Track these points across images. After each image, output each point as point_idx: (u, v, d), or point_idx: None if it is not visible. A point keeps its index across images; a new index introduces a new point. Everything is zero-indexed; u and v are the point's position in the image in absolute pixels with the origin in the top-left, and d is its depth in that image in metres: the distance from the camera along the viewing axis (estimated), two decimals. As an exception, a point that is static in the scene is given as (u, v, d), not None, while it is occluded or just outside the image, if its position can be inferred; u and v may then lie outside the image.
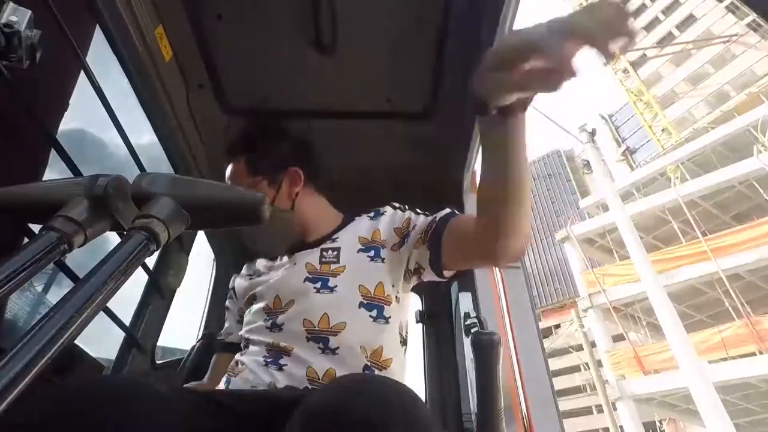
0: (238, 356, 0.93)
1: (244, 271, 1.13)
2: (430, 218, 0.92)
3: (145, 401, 0.58)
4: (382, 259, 0.93)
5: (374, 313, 0.88)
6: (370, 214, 1.02)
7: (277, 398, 0.76)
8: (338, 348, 0.83)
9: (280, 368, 0.82)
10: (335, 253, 0.94)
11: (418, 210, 0.98)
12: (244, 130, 1.09)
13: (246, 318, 0.98)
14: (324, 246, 0.96)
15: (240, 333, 0.97)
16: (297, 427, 0.49)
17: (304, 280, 0.90)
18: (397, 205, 1.02)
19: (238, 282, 1.10)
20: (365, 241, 0.95)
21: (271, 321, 0.88)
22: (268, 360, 0.84)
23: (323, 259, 0.93)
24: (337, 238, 0.98)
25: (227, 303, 1.13)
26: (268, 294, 0.94)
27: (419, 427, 0.47)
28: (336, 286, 0.89)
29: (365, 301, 0.88)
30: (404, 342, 0.95)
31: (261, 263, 1.09)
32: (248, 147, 1.03)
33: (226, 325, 1.12)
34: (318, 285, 0.89)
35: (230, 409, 0.72)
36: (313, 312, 0.86)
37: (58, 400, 0.53)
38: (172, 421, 0.60)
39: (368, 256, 0.93)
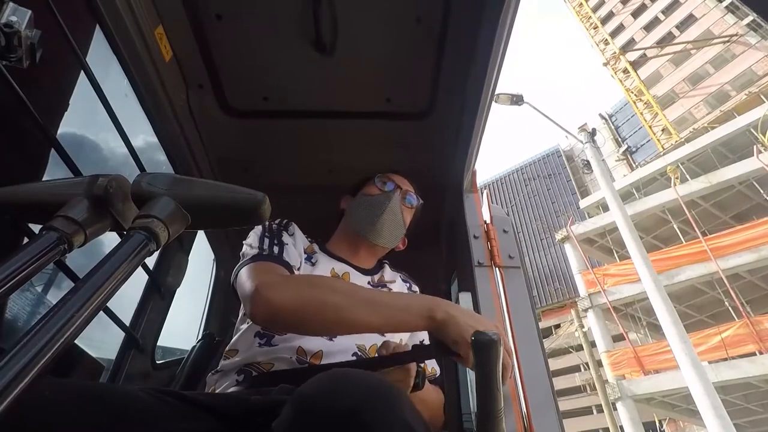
0: (262, 355, 0.94)
1: (301, 241, 1.14)
2: None
3: (123, 405, 0.61)
4: None
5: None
6: (406, 283, 1.29)
7: (256, 402, 0.78)
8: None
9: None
10: None
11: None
12: None
13: None
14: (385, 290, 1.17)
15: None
16: (289, 413, 0.51)
17: None
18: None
19: (299, 247, 1.11)
20: None
21: None
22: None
23: None
24: (392, 286, 1.22)
25: (284, 238, 1.08)
26: None
27: (404, 414, 0.50)
28: None
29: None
30: None
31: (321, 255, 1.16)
32: None
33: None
34: None
35: (212, 411, 0.72)
36: (367, 337, 1.01)
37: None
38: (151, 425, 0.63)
39: None
